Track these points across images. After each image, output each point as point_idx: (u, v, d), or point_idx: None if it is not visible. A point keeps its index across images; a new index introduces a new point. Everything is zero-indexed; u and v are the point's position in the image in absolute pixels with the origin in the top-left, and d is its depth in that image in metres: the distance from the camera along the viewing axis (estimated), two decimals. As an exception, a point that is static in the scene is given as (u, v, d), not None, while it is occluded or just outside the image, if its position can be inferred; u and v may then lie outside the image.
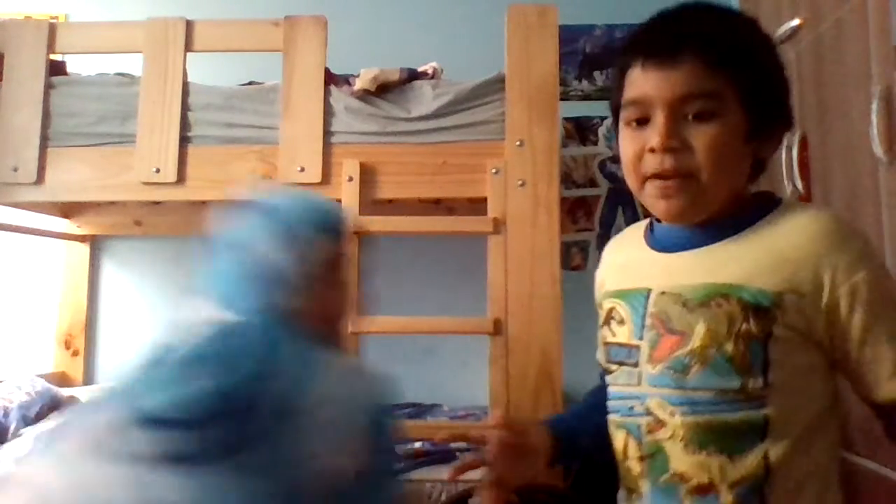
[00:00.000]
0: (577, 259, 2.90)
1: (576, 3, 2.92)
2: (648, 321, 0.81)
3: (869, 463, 1.09)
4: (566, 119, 2.90)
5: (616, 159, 2.92)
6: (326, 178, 1.96)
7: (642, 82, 0.79)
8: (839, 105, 1.18)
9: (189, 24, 2.05)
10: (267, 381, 0.92)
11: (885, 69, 1.04)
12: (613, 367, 0.85)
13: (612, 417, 0.85)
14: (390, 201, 2.05)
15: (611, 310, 0.87)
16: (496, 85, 1.96)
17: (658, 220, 0.87)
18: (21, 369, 2.38)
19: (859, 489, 1.11)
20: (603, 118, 2.94)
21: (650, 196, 0.81)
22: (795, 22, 1.33)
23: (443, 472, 1.62)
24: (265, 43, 2.07)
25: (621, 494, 0.86)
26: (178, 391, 0.88)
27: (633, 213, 2.91)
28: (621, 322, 0.84)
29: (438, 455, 1.79)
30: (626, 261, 0.90)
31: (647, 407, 0.79)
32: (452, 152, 1.94)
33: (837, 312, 0.74)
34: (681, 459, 0.77)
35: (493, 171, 1.90)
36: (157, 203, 2.39)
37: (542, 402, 1.76)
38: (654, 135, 0.78)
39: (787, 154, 1.33)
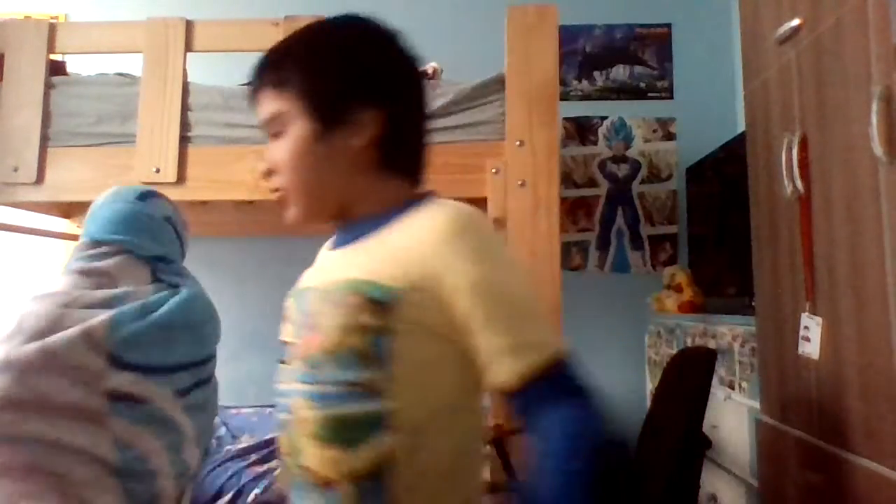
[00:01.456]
0: (577, 259, 2.90)
1: (576, 3, 2.92)
2: (305, 319, 0.83)
3: (869, 463, 1.09)
4: (566, 119, 2.91)
5: (616, 159, 2.92)
6: (326, 178, 1.96)
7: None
8: (839, 105, 1.18)
9: (189, 24, 2.05)
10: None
11: (885, 69, 1.04)
12: (281, 366, 0.87)
13: (279, 416, 0.87)
14: (390, 201, 2.05)
15: (287, 308, 0.90)
16: (496, 85, 1.96)
17: None
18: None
19: (859, 489, 1.11)
20: (603, 118, 2.93)
21: None
22: (795, 22, 1.32)
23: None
24: (265, 43, 2.03)
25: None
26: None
27: (634, 212, 2.91)
28: (291, 321, 0.87)
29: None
30: (318, 259, 0.94)
31: (292, 404, 0.81)
32: (452, 152, 1.94)
33: (451, 305, 0.75)
34: (310, 454, 0.78)
35: (493, 171, 1.90)
36: (157, 203, 2.39)
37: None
38: None
39: (787, 154, 1.33)
